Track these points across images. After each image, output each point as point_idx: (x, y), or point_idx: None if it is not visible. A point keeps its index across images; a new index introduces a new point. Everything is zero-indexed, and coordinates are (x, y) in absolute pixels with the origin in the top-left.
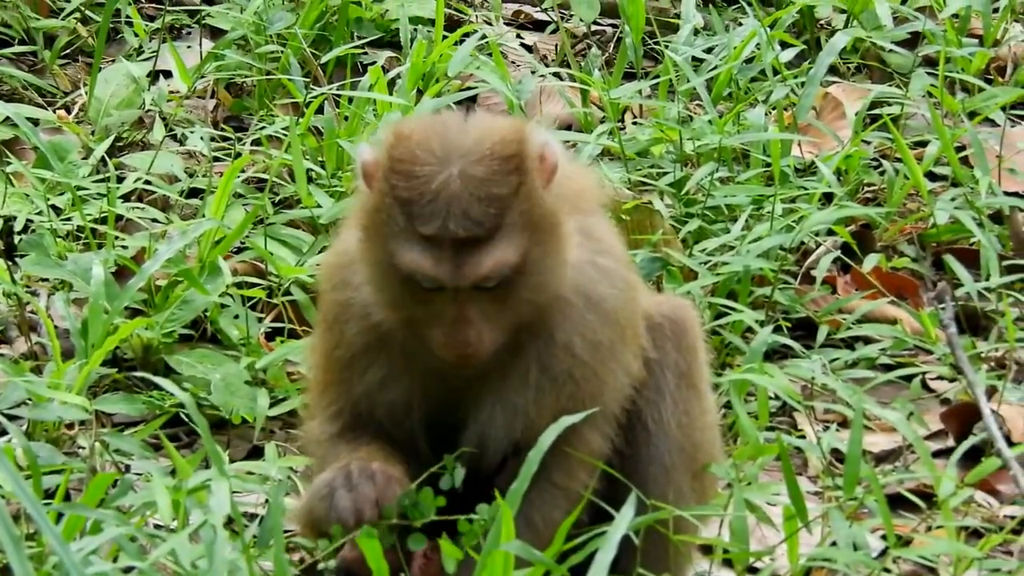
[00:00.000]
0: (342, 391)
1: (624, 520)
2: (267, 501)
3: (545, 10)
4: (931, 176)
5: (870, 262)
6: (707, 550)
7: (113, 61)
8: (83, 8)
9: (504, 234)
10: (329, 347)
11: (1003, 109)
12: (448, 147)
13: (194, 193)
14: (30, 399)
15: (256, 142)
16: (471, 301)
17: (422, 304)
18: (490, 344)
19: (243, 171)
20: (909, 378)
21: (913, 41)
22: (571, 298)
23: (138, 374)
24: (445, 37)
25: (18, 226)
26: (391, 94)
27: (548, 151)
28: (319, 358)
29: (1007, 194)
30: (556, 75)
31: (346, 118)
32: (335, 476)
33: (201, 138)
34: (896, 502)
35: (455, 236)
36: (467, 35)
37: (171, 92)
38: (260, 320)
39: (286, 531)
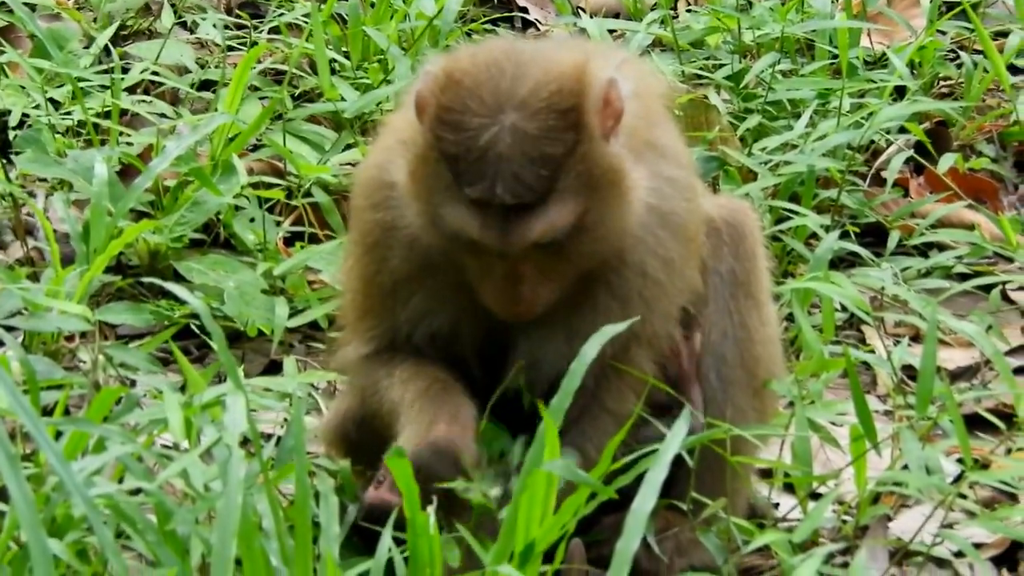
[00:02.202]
0: (383, 317)
1: (676, 438)
2: (286, 420)
3: None
4: (1013, 69)
5: (946, 162)
6: (766, 473)
7: None
8: None
9: (557, 198)
10: (369, 272)
11: None
12: (500, 96)
13: (206, 85)
14: (27, 308)
15: (274, 30)
16: (526, 259)
17: (471, 257)
18: (547, 299)
19: (259, 61)
20: (988, 288)
21: None
22: (643, 221)
23: (145, 279)
24: None
25: (13, 121)
26: None
27: (614, 93)
28: (356, 283)
29: None
30: None
31: (372, 4)
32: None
33: (214, 25)
34: (973, 422)
35: (503, 201)
36: None
37: None
38: (278, 224)
39: (307, 452)
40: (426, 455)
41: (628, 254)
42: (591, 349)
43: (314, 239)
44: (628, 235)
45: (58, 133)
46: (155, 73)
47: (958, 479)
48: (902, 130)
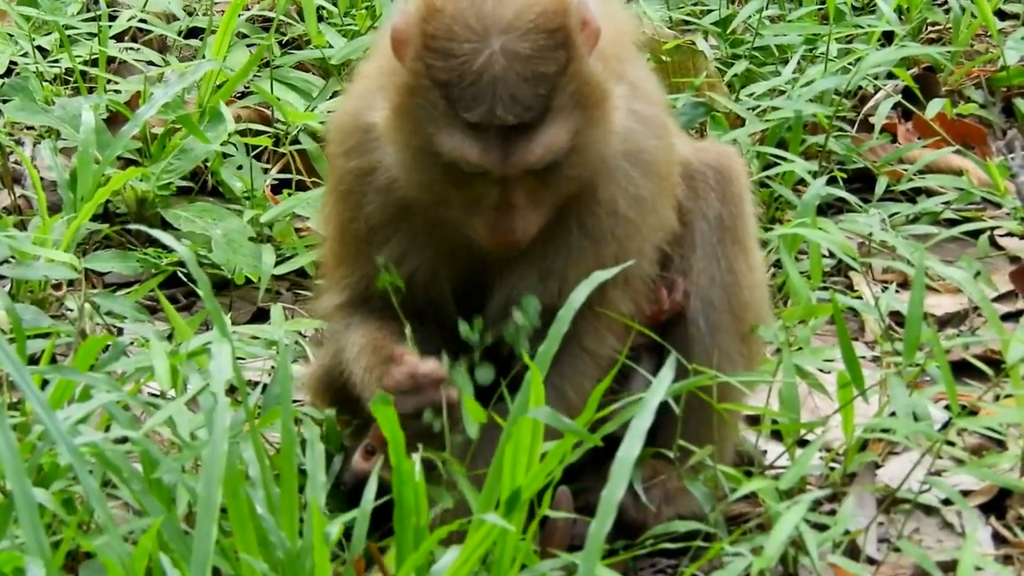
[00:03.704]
0: (357, 265)
1: (662, 385)
2: (273, 368)
3: None
4: (1000, 14)
5: (934, 108)
6: (754, 420)
7: None
8: None
9: (554, 116)
10: (344, 219)
11: None
12: (486, 20)
13: (193, 33)
14: (13, 256)
15: None
16: (518, 185)
17: (462, 188)
18: (536, 227)
19: (247, 8)
20: (976, 234)
21: None
22: (617, 153)
23: (132, 227)
24: None
25: (0, 69)
26: None
27: (588, 14)
28: (333, 230)
29: None
30: None
31: None
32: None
33: None
34: (961, 369)
35: (503, 123)
36: None
37: None
38: (265, 171)
39: (293, 400)
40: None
41: (600, 191)
42: (580, 294)
43: (301, 186)
44: (605, 163)
45: (45, 81)
46: (142, 21)
47: (946, 426)
48: (890, 76)
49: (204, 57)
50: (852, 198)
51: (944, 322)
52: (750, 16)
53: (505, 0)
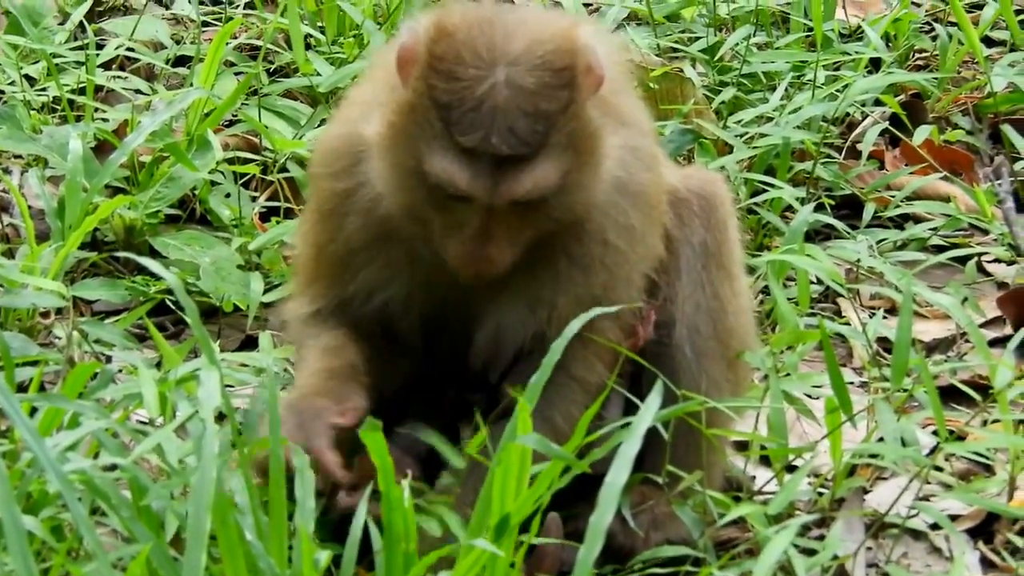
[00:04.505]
0: (331, 286)
1: (650, 410)
2: (255, 393)
3: None
4: (987, 41)
5: (921, 134)
6: (742, 446)
7: None
8: None
9: (548, 153)
10: (322, 240)
11: None
12: (495, 50)
13: (181, 61)
14: (1, 285)
15: (249, 4)
16: (501, 217)
17: (444, 212)
18: (509, 260)
19: (234, 36)
20: (963, 260)
21: None
22: (606, 189)
23: (120, 254)
24: None
25: None
26: None
27: (595, 61)
28: (309, 248)
29: None
30: None
31: None
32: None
33: (189, 1)
34: (948, 394)
35: (497, 152)
36: None
37: None
38: (254, 199)
39: None
40: (286, 414)
41: (589, 222)
42: (575, 326)
43: (290, 214)
44: (592, 204)
45: (33, 109)
46: (130, 49)
47: (933, 451)
48: (877, 102)
49: (192, 85)
50: (840, 224)
51: (932, 348)
52: (737, 43)
53: (517, 32)
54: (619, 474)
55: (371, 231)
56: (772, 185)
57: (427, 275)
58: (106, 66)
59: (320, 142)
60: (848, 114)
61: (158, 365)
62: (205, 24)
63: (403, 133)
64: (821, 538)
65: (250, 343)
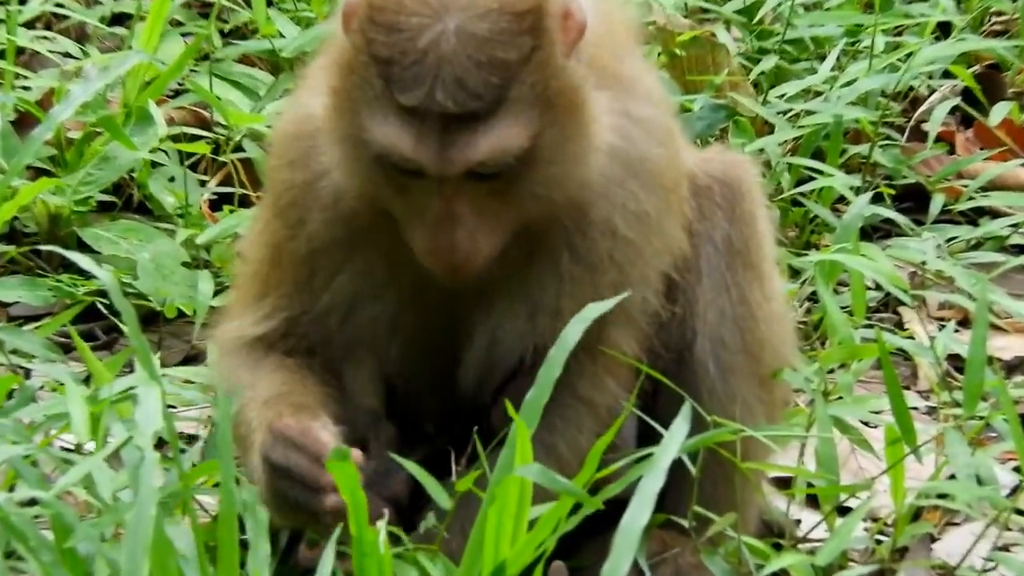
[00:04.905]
0: (290, 297)
1: (676, 439)
2: (211, 419)
3: None
4: None
5: (999, 113)
6: (784, 483)
7: None
8: None
9: (508, 110)
10: (280, 238)
11: None
12: None
13: (118, 20)
14: None
15: None
16: (461, 194)
17: (399, 195)
18: (487, 251)
19: None
20: None
21: None
22: (609, 168)
23: (43, 248)
24: None
25: None
26: None
27: (574, 6)
28: (263, 251)
29: None
30: None
31: None
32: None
33: None
34: None
35: (444, 110)
36: None
37: None
38: (203, 184)
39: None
40: (271, 447)
41: (592, 209)
42: (573, 331)
43: (245, 202)
44: (588, 185)
45: None
46: (58, 5)
47: (1015, 491)
48: (946, 74)
49: (131, 48)
50: (902, 219)
51: (1012, 367)
52: (780, 3)
53: None
54: (638, 516)
55: (338, 229)
56: (821, 172)
57: (413, 286)
58: (29, 25)
59: (275, 130)
60: (912, 88)
61: (86, 381)
62: None
63: (345, 98)
64: None
65: (197, 356)
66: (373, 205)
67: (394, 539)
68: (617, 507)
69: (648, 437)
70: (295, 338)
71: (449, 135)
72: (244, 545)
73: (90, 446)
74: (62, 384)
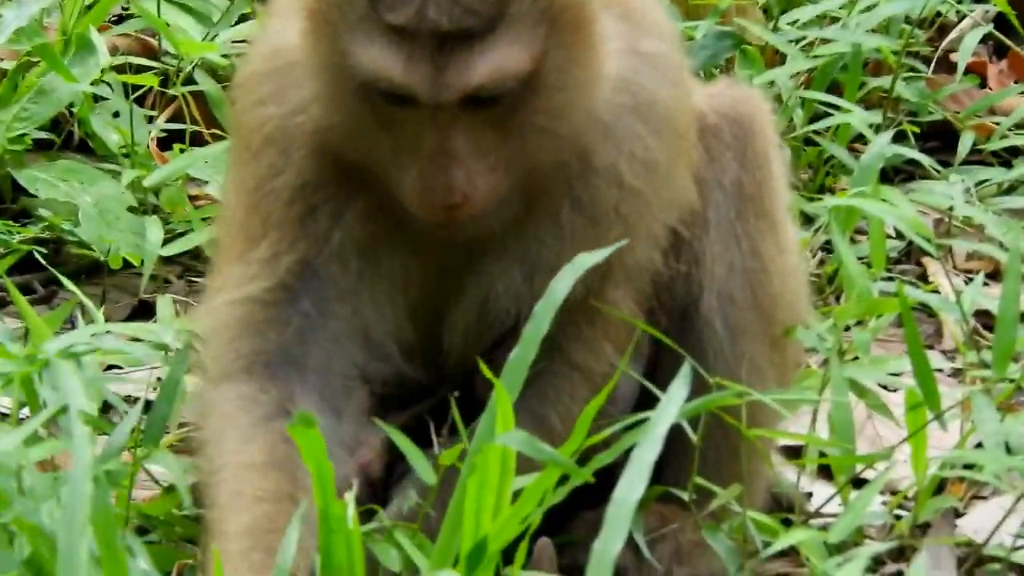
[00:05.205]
0: (276, 246)
1: (674, 403)
2: (159, 380)
3: None
4: None
5: None
6: (794, 452)
7: None
8: None
9: (508, 28)
10: (260, 179)
11: None
12: None
13: None
14: None
15: None
16: (457, 125)
17: (387, 131)
18: (485, 193)
19: None
20: None
21: None
22: (615, 107)
23: None
24: None
25: None
26: None
27: None
28: (244, 199)
29: None
30: None
31: None
32: None
33: None
34: None
35: (437, 28)
36: None
37: None
38: (150, 120)
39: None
40: None
41: (595, 155)
42: (562, 284)
43: (197, 140)
44: (594, 119)
45: None
46: None
47: None
48: None
49: None
50: (927, 160)
51: None
52: None
53: None
54: (632, 488)
55: (328, 164)
56: (837, 108)
57: (411, 244)
58: None
59: (240, 72)
60: (939, 14)
61: (24, 338)
62: None
63: (323, 21)
64: (899, 575)
65: (145, 310)
66: (355, 143)
67: (367, 516)
68: (613, 479)
69: (648, 407)
70: (291, 308)
71: (443, 57)
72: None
73: (24, 413)
74: None
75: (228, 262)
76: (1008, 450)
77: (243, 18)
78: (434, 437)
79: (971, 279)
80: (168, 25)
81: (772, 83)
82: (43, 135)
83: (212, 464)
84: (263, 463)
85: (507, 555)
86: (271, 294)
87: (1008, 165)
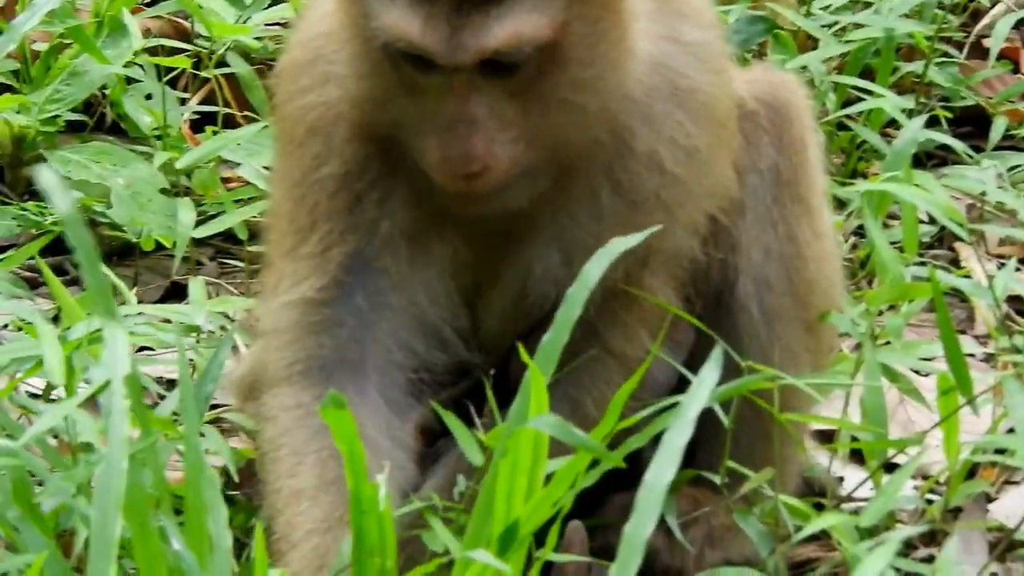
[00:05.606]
0: (341, 232)
1: (705, 386)
2: (192, 362)
3: None
4: None
5: None
6: (827, 437)
7: None
8: None
9: None
10: (305, 168)
11: None
12: None
13: None
14: None
15: None
16: (477, 91)
17: (410, 97)
18: (506, 163)
19: None
20: None
21: None
22: (651, 90)
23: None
24: None
25: None
26: None
27: None
28: (292, 192)
29: None
30: None
31: None
32: None
33: None
34: None
35: None
36: None
37: None
38: (183, 102)
39: (218, 405)
40: None
41: (635, 139)
42: (595, 268)
43: (230, 122)
44: (627, 99)
45: None
46: None
47: None
48: None
49: None
50: (960, 145)
51: None
52: None
53: None
54: (663, 471)
55: (367, 155)
56: (870, 92)
57: (456, 228)
58: None
59: (281, 61)
60: None
61: (55, 319)
62: None
63: None
64: (930, 560)
65: (177, 292)
66: (384, 119)
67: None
68: (646, 462)
69: (684, 390)
70: (345, 306)
71: (460, 18)
72: (232, 501)
73: (60, 392)
74: (30, 323)
75: (280, 257)
76: None
77: (276, 0)
78: (476, 419)
79: (1003, 264)
80: (201, 7)
81: (805, 68)
82: (76, 117)
83: (269, 482)
84: (314, 487)
85: (539, 538)
86: (325, 293)
87: None
